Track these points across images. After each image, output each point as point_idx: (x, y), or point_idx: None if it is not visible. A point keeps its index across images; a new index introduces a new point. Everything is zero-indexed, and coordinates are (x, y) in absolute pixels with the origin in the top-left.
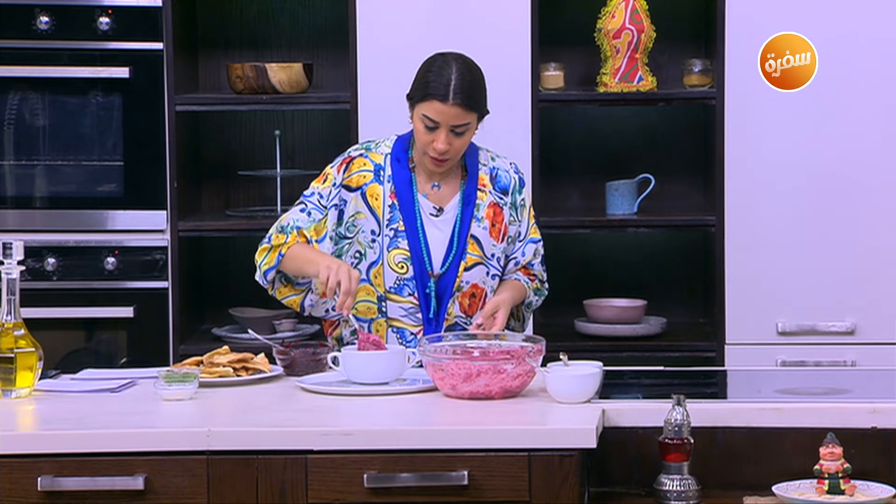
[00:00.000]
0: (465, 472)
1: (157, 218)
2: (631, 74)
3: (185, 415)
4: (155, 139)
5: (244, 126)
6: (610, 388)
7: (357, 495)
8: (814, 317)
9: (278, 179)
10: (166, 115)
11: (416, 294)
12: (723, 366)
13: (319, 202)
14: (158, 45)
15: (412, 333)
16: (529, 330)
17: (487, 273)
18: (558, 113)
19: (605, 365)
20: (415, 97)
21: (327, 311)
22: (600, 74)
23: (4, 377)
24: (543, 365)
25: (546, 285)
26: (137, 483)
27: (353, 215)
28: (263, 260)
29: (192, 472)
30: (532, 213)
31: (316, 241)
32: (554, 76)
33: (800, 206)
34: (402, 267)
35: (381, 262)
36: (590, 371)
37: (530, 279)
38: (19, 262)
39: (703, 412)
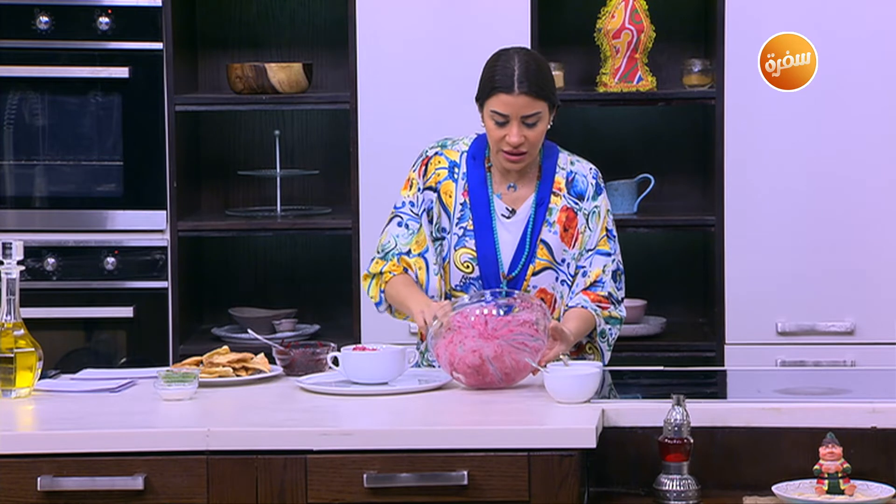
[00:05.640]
0: (465, 472)
1: (157, 218)
2: (630, 74)
3: (184, 415)
4: (154, 139)
5: (244, 126)
6: (609, 387)
7: (356, 495)
8: (813, 317)
9: (278, 179)
10: (166, 114)
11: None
12: (722, 366)
13: (412, 211)
14: (158, 45)
15: None
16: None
17: (557, 279)
18: (558, 113)
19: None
20: (482, 96)
21: None
22: (600, 74)
23: (4, 377)
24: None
25: (621, 308)
26: (137, 483)
27: (438, 216)
28: (370, 290)
29: (191, 472)
30: (605, 223)
31: (418, 254)
32: (553, 76)
33: (799, 206)
34: (468, 266)
35: (448, 259)
36: (589, 371)
37: (601, 305)
38: (19, 262)
39: (703, 412)
